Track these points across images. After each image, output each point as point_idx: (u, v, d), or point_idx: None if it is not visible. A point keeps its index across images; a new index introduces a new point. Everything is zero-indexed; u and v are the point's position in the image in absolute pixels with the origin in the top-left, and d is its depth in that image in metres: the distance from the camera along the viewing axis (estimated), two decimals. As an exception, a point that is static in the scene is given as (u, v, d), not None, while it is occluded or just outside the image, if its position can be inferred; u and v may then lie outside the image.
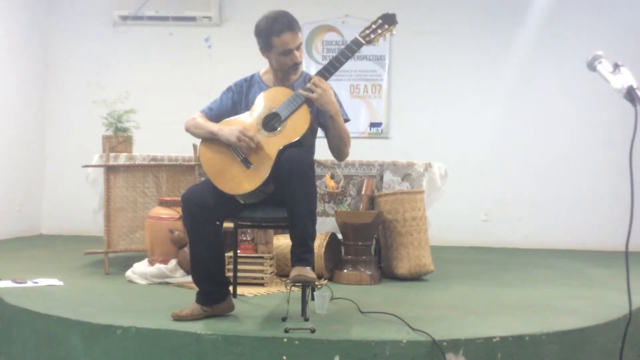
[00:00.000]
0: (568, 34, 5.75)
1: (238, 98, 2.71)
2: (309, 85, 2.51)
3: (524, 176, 5.83)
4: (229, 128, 2.54)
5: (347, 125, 2.63)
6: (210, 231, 2.51)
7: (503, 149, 5.85)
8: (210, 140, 2.58)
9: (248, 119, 2.57)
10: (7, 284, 3.12)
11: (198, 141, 2.69)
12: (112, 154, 4.00)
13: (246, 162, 2.50)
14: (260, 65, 2.80)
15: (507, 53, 5.85)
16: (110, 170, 3.85)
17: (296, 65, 2.63)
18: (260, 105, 2.59)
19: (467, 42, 5.91)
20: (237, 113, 2.64)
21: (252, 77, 2.76)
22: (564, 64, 5.68)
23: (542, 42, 5.80)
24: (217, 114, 2.67)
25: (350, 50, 2.57)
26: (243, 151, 2.50)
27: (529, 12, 5.81)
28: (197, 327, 2.36)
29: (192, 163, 3.90)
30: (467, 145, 5.82)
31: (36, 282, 3.22)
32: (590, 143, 5.80)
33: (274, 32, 2.54)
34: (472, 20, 5.91)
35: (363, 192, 3.85)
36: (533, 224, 5.80)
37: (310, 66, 5.75)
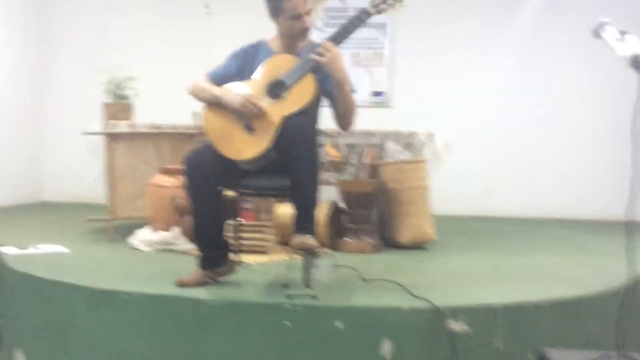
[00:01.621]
0: (577, 5, 5.64)
1: (244, 63, 2.66)
2: (320, 49, 2.48)
3: (527, 147, 5.80)
4: (233, 93, 2.52)
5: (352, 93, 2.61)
6: (212, 195, 2.51)
7: (507, 119, 5.80)
8: (215, 105, 2.56)
9: (252, 85, 2.55)
10: (11, 250, 3.14)
11: (198, 109, 2.67)
12: (112, 122, 3.98)
13: (249, 129, 2.49)
14: (261, 33, 2.76)
15: (513, 24, 5.75)
16: (111, 137, 3.83)
17: (305, 30, 2.59)
18: (265, 71, 2.56)
19: (472, 11, 5.81)
20: (242, 78, 2.61)
21: (259, 43, 2.72)
22: (572, 36, 5.57)
23: (549, 13, 5.70)
24: (222, 78, 2.64)
25: (360, 19, 2.54)
26: (247, 117, 2.48)
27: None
28: (200, 293, 2.39)
29: (193, 131, 3.88)
30: (471, 115, 5.77)
31: (38, 248, 3.24)
32: (594, 114, 5.76)
33: None
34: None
35: (365, 161, 3.84)
36: (535, 194, 5.79)
37: (312, 34, 5.66)
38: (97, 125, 4.05)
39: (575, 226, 5.14)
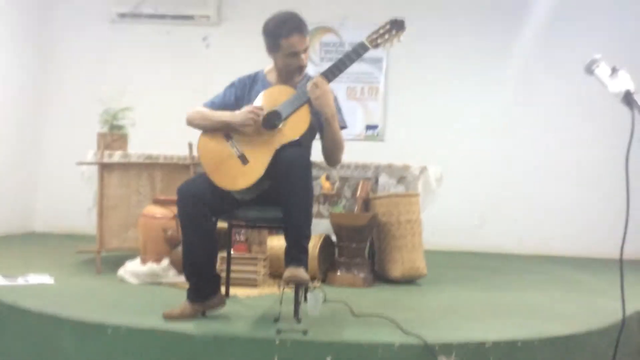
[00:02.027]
0: (568, 36, 5.74)
1: (241, 94, 2.69)
2: (309, 85, 2.50)
3: (519, 182, 5.83)
4: (239, 111, 2.54)
5: (342, 132, 2.62)
6: (205, 225, 2.50)
7: (499, 155, 5.85)
8: (211, 133, 2.58)
9: None
10: (-2, 280, 3.10)
11: (194, 139, 2.68)
12: (107, 152, 3.99)
13: (243, 159, 2.50)
14: (258, 65, 2.79)
15: (505, 57, 5.84)
16: (105, 167, 3.83)
17: (301, 68, 2.64)
18: (262, 102, 2.58)
19: (466, 46, 5.91)
20: (239, 109, 2.62)
21: (256, 74, 2.75)
22: (563, 69, 5.66)
23: (541, 45, 5.79)
24: (219, 108, 2.65)
25: (356, 53, 2.57)
26: (242, 146, 2.50)
27: (529, 15, 5.80)
28: (188, 327, 2.35)
29: (187, 162, 3.88)
30: (463, 149, 5.82)
31: (27, 280, 3.20)
32: (586, 148, 5.80)
33: (283, 34, 2.54)
34: (471, 23, 5.90)
35: (358, 194, 3.84)
36: (526, 230, 5.80)
37: (307, 68, 5.72)
38: (92, 155, 4.05)
39: (567, 263, 5.14)
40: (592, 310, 3.02)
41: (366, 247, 3.74)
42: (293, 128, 2.50)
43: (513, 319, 2.78)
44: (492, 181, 5.82)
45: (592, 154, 5.78)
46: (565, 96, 5.79)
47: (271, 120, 2.53)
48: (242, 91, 2.70)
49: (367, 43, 2.59)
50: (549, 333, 2.43)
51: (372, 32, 2.61)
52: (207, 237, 2.52)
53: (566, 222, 5.75)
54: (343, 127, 2.64)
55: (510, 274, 4.39)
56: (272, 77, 2.72)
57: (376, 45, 2.60)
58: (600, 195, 5.68)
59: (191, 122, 2.64)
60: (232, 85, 2.73)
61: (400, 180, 3.94)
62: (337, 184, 3.89)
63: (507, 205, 5.82)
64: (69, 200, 5.49)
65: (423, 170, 3.99)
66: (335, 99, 2.61)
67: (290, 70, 2.64)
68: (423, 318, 2.70)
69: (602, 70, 2.00)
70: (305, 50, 2.60)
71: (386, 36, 2.60)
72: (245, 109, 2.54)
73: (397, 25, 2.61)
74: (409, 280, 3.69)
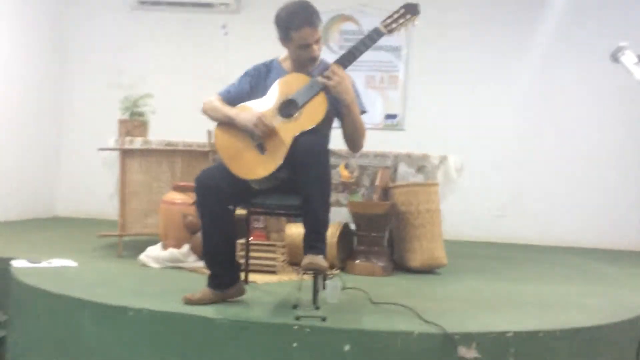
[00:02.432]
0: (591, 24, 5.64)
1: (256, 82, 2.68)
2: (326, 72, 2.49)
3: (541, 171, 5.76)
4: (246, 113, 2.52)
5: (362, 116, 2.61)
6: (223, 214, 2.51)
7: (520, 143, 5.78)
8: (227, 124, 2.57)
9: (264, 105, 2.56)
10: (22, 263, 3.15)
11: (212, 127, 2.68)
12: (127, 138, 4.01)
13: (261, 148, 2.49)
14: (277, 53, 2.77)
15: (527, 45, 5.76)
16: (126, 154, 3.86)
17: (313, 59, 2.61)
18: (278, 91, 2.57)
19: (486, 33, 5.83)
20: (254, 97, 2.62)
21: (271, 62, 2.73)
22: (586, 56, 5.57)
23: (563, 33, 5.69)
24: (234, 97, 2.65)
25: (371, 39, 2.55)
26: (259, 137, 2.49)
27: (551, 3, 5.71)
28: (207, 312, 2.37)
29: (207, 149, 3.89)
30: (484, 138, 5.76)
31: (50, 263, 3.24)
32: (610, 138, 5.71)
33: (293, 26, 2.52)
34: (492, 11, 5.82)
35: (377, 183, 3.82)
36: (549, 221, 5.73)
37: (326, 56, 5.65)
38: (113, 141, 4.08)
39: (591, 254, 5.07)
40: (616, 302, 2.98)
41: (385, 235, 3.72)
42: (310, 116, 2.48)
43: (535, 309, 2.76)
44: (514, 171, 5.76)
45: (618, 145, 5.68)
46: (589, 85, 5.70)
47: (288, 109, 2.51)
48: (257, 79, 2.69)
49: (381, 28, 2.56)
50: (571, 324, 2.40)
51: (386, 17, 2.58)
52: (225, 226, 2.52)
53: (591, 213, 5.67)
54: (363, 111, 2.62)
55: (531, 265, 4.34)
56: (287, 65, 2.70)
57: (391, 31, 2.57)
58: (628, 186, 5.59)
59: (205, 113, 2.65)
60: (247, 73, 2.72)
61: (420, 169, 3.91)
62: (355, 173, 3.87)
63: (529, 195, 5.76)
64: (90, 185, 5.56)
65: (443, 159, 3.96)
66: (354, 84, 2.58)
67: (302, 62, 2.62)
68: (443, 307, 2.69)
69: (629, 57, 1.97)
70: (317, 42, 2.57)
71: (401, 20, 2.56)
72: (255, 116, 2.47)
73: (411, 9, 2.58)
74: (429, 270, 3.67)
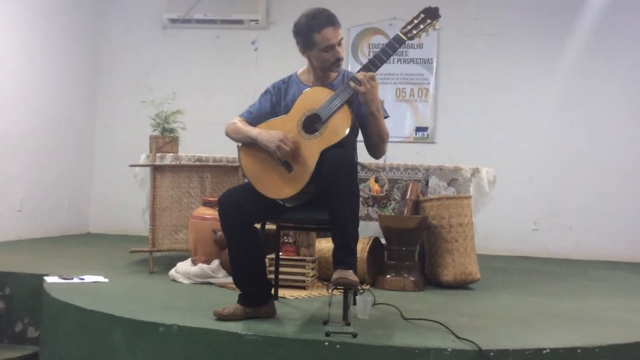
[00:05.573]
0: (624, 36, 5.53)
1: (277, 100, 2.68)
2: (360, 77, 2.44)
3: (576, 184, 5.63)
4: (269, 133, 2.50)
5: (390, 127, 2.59)
6: (247, 234, 2.49)
7: (554, 156, 5.68)
8: (250, 144, 2.57)
9: (288, 121, 2.54)
10: (55, 279, 3.19)
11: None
12: (158, 154, 4.06)
13: (287, 166, 2.47)
14: (306, 67, 2.78)
15: (559, 56, 5.67)
16: (157, 170, 3.90)
17: (338, 61, 2.59)
18: (300, 106, 2.55)
19: (518, 45, 5.77)
20: (276, 115, 2.62)
21: (289, 78, 2.73)
22: (620, 68, 5.47)
23: (596, 45, 5.60)
24: (256, 117, 2.65)
25: (392, 47, 2.52)
26: (283, 157, 2.47)
27: (582, 14, 5.62)
28: (238, 327, 2.35)
29: (236, 164, 3.90)
30: (517, 151, 5.67)
31: (82, 279, 3.28)
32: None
33: (315, 28, 2.52)
34: (523, 23, 5.77)
35: (408, 197, 3.77)
36: (584, 234, 5.59)
37: (356, 69, 5.70)
38: (144, 157, 4.13)
39: (628, 269, 4.92)
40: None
41: (416, 250, 3.67)
42: (335, 130, 2.45)
43: (571, 325, 2.67)
44: (548, 184, 5.65)
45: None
46: (623, 96, 5.57)
47: (312, 124, 2.49)
48: (278, 97, 2.68)
49: (402, 35, 2.54)
50: (611, 340, 2.31)
51: (406, 24, 2.56)
52: (250, 246, 2.51)
53: (627, 227, 5.51)
54: (386, 117, 2.60)
55: (567, 280, 4.23)
56: (306, 78, 2.68)
57: (411, 37, 2.55)
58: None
59: (228, 135, 2.67)
60: (267, 92, 2.72)
61: (452, 182, 3.85)
62: (386, 186, 3.83)
63: (563, 209, 5.64)
64: (122, 202, 5.64)
65: (475, 172, 3.89)
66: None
67: (327, 67, 2.60)
68: (476, 323, 2.62)
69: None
70: (340, 43, 2.55)
71: (421, 26, 2.54)
72: (278, 137, 2.45)
73: (430, 14, 2.55)
74: (461, 285, 3.60)
